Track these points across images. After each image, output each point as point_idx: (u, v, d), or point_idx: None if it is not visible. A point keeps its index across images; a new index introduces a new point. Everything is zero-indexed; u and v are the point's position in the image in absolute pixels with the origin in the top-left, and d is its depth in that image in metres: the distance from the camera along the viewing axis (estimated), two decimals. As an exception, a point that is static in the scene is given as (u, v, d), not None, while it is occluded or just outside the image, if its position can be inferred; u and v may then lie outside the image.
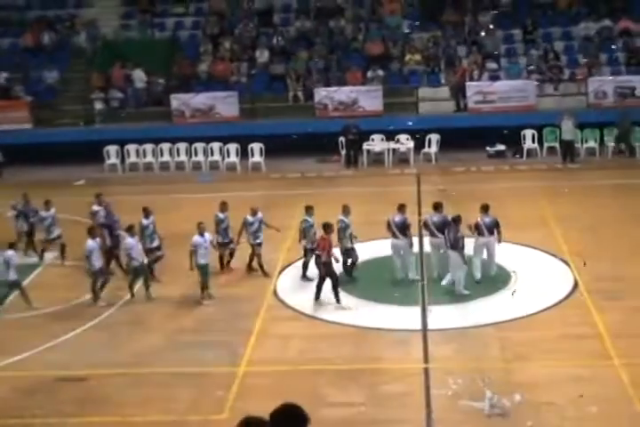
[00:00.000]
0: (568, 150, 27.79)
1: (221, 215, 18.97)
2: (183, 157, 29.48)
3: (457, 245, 17.30)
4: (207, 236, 17.95)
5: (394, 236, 18.28)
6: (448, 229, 17.64)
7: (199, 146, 29.27)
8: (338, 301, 17.07)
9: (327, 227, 17.46)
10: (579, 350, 15.03)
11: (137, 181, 28.17)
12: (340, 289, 17.16)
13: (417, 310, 17.06)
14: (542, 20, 32.60)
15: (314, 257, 17.64)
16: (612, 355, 14.68)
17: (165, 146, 29.45)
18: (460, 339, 15.69)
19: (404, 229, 18.19)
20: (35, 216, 20.52)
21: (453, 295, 17.53)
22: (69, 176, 28.46)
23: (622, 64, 30.72)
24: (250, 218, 18.93)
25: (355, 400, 13.53)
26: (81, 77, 32.26)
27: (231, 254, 19.31)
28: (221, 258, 19.18)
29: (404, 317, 16.81)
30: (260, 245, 18.84)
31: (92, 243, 17.77)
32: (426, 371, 14.52)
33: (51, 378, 14.77)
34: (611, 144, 28.35)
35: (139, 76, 31.52)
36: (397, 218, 18.36)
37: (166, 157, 29.52)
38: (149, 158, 29.63)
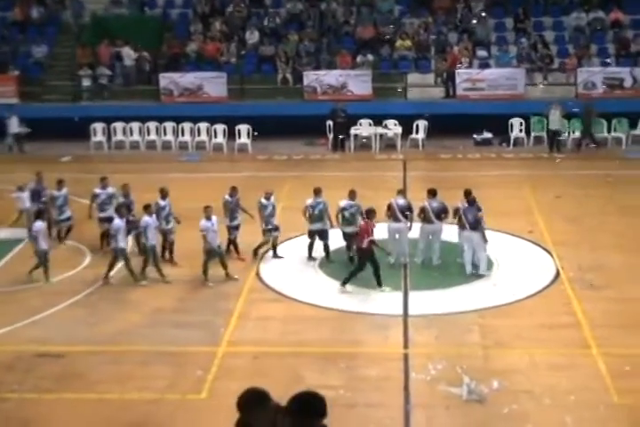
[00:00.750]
0: (555, 140, 27.83)
1: (229, 198, 18.65)
2: (170, 137, 29.40)
3: (477, 226, 17.42)
4: (214, 219, 17.64)
5: (395, 219, 18.14)
6: (464, 211, 17.62)
7: (186, 126, 29.23)
8: (380, 284, 17.03)
9: (370, 212, 17.23)
10: (558, 338, 15.06)
11: (122, 159, 28.12)
12: (322, 272, 17.18)
13: (398, 294, 17.07)
14: (534, 9, 32.65)
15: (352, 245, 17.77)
16: (591, 344, 14.72)
17: (152, 125, 29.39)
18: (440, 325, 15.69)
19: (440, 214, 18.06)
20: (46, 196, 20.04)
21: (435, 281, 17.56)
22: (55, 152, 28.38)
23: (612, 55, 30.74)
24: (264, 201, 18.58)
25: (333, 383, 13.50)
26: (69, 53, 32.15)
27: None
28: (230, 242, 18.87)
29: (385, 301, 16.80)
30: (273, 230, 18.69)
31: (118, 222, 17.43)
32: (405, 356, 14.53)
33: (29, 354, 14.71)
34: (576, 136, 28.43)
35: (127, 54, 31.38)
36: (401, 201, 18.28)
37: (153, 136, 29.44)
38: (136, 137, 29.56)
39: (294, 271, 18.09)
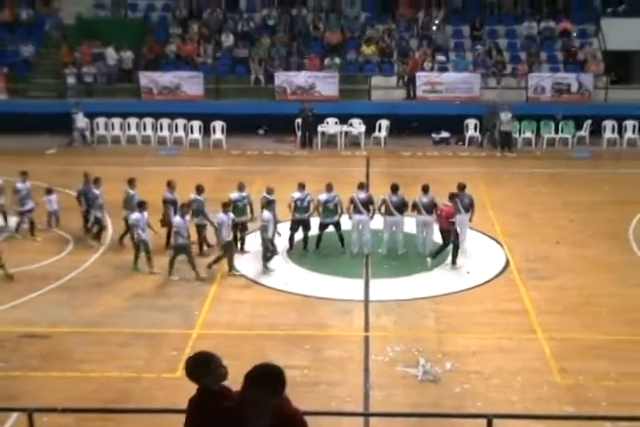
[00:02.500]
0: (506, 140, 28.01)
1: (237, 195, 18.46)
2: (149, 132, 29.22)
3: (469, 209, 18.18)
4: (231, 215, 17.45)
5: (357, 211, 18.16)
6: (460, 197, 18.02)
7: (165, 122, 29.05)
8: (454, 262, 17.68)
9: (453, 196, 17.83)
10: (506, 323, 15.21)
11: (105, 153, 27.95)
12: (290, 261, 17.23)
13: (361, 282, 17.15)
14: (489, 18, 32.78)
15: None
16: (537, 329, 14.89)
17: (133, 120, 29.19)
18: (398, 310, 15.79)
19: (401, 207, 18.14)
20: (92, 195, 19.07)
21: (395, 270, 17.66)
22: (41, 145, 28.15)
23: (560, 62, 30.95)
24: (268, 197, 18.23)
25: (299, 364, 13.57)
26: (55, 53, 31.79)
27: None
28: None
29: (348, 288, 16.87)
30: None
31: (222, 216, 17.14)
32: (366, 338, 14.63)
33: (16, 334, 14.66)
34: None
35: (110, 54, 31.21)
36: (362, 195, 18.34)
37: (133, 131, 29.27)
38: (117, 132, 29.34)
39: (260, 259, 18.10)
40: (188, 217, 17.49)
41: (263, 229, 17.30)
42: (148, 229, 17.60)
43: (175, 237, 17.15)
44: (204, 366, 6.02)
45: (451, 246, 17.70)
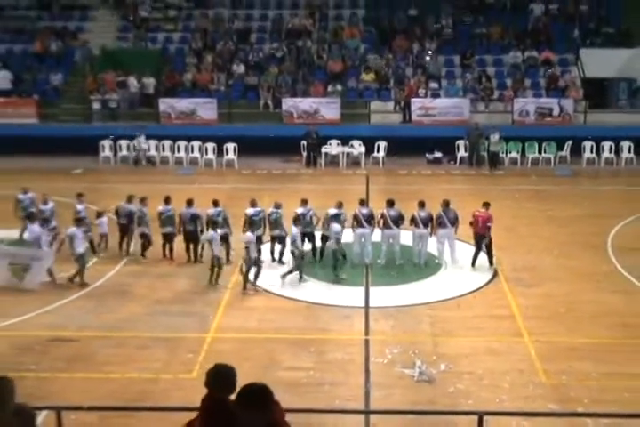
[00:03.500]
0: (494, 159, 28.01)
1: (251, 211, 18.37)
2: (167, 153, 29.26)
3: (454, 223, 18.14)
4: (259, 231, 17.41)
5: (360, 225, 18.12)
6: (445, 212, 18.01)
7: (182, 144, 29.11)
8: (491, 263, 18.05)
9: (486, 205, 18.15)
10: (496, 328, 15.15)
11: (127, 172, 27.99)
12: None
13: (361, 289, 17.10)
14: (478, 48, 32.85)
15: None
16: (524, 333, 14.82)
17: (152, 143, 29.24)
18: (396, 316, 15.73)
19: (397, 220, 18.08)
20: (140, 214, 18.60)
21: (393, 278, 17.59)
22: (69, 165, 28.21)
23: (543, 88, 31.01)
24: (250, 210, 18.29)
25: (305, 365, 13.53)
26: (82, 81, 31.93)
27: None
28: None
29: (349, 295, 16.82)
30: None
31: (250, 235, 16.99)
32: (366, 342, 14.56)
33: (44, 338, 14.63)
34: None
35: (132, 82, 31.33)
36: (364, 210, 18.30)
37: (153, 152, 29.30)
38: (138, 153, 29.45)
39: (273, 269, 18.04)
40: (254, 232, 17.28)
41: (293, 242, 17.25)
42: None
43: (247, 252, 16.90)
44: (223, 380, 5.96)
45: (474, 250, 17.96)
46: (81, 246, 17.18)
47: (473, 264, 18.01)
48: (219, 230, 17.49)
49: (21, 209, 19.36)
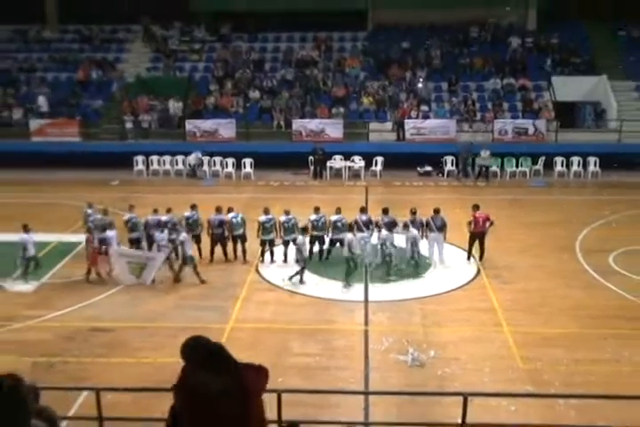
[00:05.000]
0: (484, 173, 28.05)
1: (264, 218, 18.27)
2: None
3: (442, 229, 18.00)
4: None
5: (360, 230, 18.03)
6: (433, 219, 17.98)
7: (205, 159, 29.11)
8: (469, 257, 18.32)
9: (476, 207, 18.25)
10: (478, 319, 15.13)
11: (157, 183, 28.03)
12: (306, 270, 17.19)
13: (361, 286, 17.08)
14: (463, 76, 32.80)
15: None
16: (503, 324, 14.81)
17: (180, 158, 29.28)
18: (391, 309, 15.73)
19: (391, 226, 18.04)
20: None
21: (389, 277, 17.56)
22: (107, 178, 28.27)
23: (519, 111, 30.98)
24: (283, 217, 18.20)
25: (313, 352, 13.53)
26: (118, 104, 31.98)
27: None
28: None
29: (351, 291, 16.82)
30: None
31: (301, 238, 17.14)
32: (365, 332, 14.56)
33: (85, 328, 14.68)
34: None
35: (162, 105, 31.37)
36: (364, 217, 18.29)
37: (180, 166, 29.34)
38: (167, 166, 29.43)
39: (285, 268, 18.03)
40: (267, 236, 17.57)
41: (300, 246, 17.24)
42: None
43: (300, 252, 17.15)
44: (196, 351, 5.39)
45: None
46: (190, 249, 17.23)
47: (468, 258, 18.23)
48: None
49: (86, 221, 18.84)
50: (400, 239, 18.27)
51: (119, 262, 17.20)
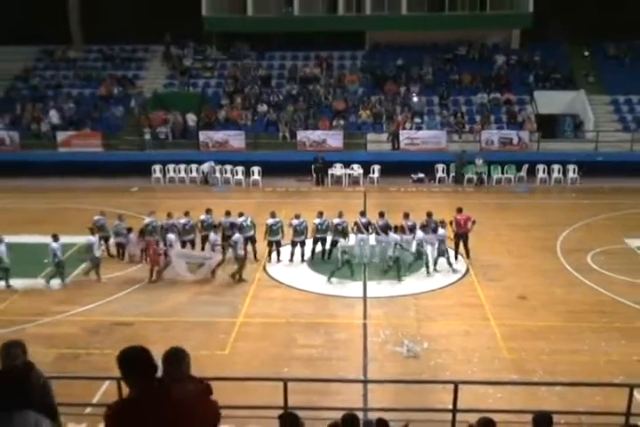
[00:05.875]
0: (479, 179, 28.10)
1: (271, 220, 18.36)
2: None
3: (436, 230, 17.78)
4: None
5: (360, 232, 18.13)
6: (427, 221, 17.95)
7: (217, 167, 29.12)
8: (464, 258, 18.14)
9: (460, 210, 18.20)
10: (468, 314, 15.13)
11: (173, 190, 28.03)
12: (309, 268, 17.16)
13: (360, 283, 17.07)
14: (453, 91, 32.81)
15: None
16: (490, 318, 14.81)
17: (194, 166, 29.28)
18: (388, 304, 15.73)
19: (385, 228, 17.93)
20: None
21: (386, 275, 17.53)
22: (127, 185, 28.30)
23: (505, 122, 30.99)
24: (295, 221, 18.22)
25: (316, 343, 13.52)
26: (137, 117, 31.99)
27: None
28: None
29: (351, 288, 16.81)
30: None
31: (238, 235, 17.16)
32: (364, 325, 14.56)
33: (108, 322, 14.70)
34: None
35: (177, 118, 31.41)
36: (363, 220, 18.31)
37: (194, 174, 29.34)
38: (182, 174, 29.41)
39: (290, 267, 18.04)
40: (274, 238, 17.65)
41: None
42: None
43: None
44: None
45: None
46: (241, 250, 17.20)
47: (455, 257, 17.84)
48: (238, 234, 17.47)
49: (117, 232, 18.61)
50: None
51: (179, 263, 17.24)
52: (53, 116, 31.54)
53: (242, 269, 17.17)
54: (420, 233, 17.50)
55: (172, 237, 17.56)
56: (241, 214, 18.61)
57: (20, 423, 4.58)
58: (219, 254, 17.30)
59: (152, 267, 17.31)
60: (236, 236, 17.24)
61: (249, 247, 18.37)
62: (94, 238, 17.14)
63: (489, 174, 28.52)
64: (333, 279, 17.05)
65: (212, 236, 17.67)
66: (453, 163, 28.50)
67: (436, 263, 17.58)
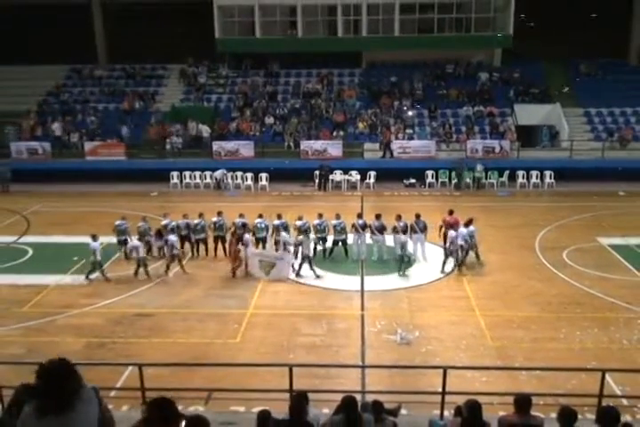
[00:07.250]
0: (478, 184, 28.04)
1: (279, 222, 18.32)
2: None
3: (424, 231, 17.84)
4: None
5: (357, 232, 18.08)
6: (417, 222, 17.90)
7: (228, 174, 29.11)
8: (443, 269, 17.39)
9: (452, 211, 18.18)
10: (455, 305, 15.10)
11: (190, 194, 28.02)
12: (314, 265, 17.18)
13: (358, 278, 17.05)
14: (441, 104, 32.83)
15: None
16: (475, 309, 14.78)
17: (208, 173, 29.27)
18: (383, 297, 15.70)
19: (381, 229, 17.96)
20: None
21: (381, 270, 17.52)
22: (147, 190, 28.30)
23: (488, 133, 30.97)
24: (298, 222, 18.10)
25: (318, 333, 13.50)
26: (156, 129, 31.97)
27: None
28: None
29: (350, 282, 16.78)
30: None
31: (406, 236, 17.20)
32: (362, 316, 14.53)
33: (131, 314, 14.69)
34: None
35: (193, 129, 31.42)
36: (360, 221, 18.26)
37: (208, 180, 29.34)
38: (197, 180, 29.41)
39: (295, 264, 18.01)
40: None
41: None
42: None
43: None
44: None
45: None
46: (307, 249, 17.03)
47: (442, 270, 17.24)
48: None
49: (143, 233, 18.29)
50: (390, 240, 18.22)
51: (253, 260, 17.18)
52: (56, 128, 31.55)
53: (312, 267, 17.00)
54: (462, 230, 17.22)
55: (247, 236, 17.39)
56: (260, 216, 18.63)
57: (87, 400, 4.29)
58: (290, 254, 17.06)
59: (233, 265, 17.06)
60: (246, 237, 17.22)
61: (260, 247, 18.37)
62: (96, 244, 16.73)
63: (474, 180, 28.46)
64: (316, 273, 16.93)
65: (283, 235, 17.41)
66: (455, 170, 28.37)
67: (466, 256, 17.35)
